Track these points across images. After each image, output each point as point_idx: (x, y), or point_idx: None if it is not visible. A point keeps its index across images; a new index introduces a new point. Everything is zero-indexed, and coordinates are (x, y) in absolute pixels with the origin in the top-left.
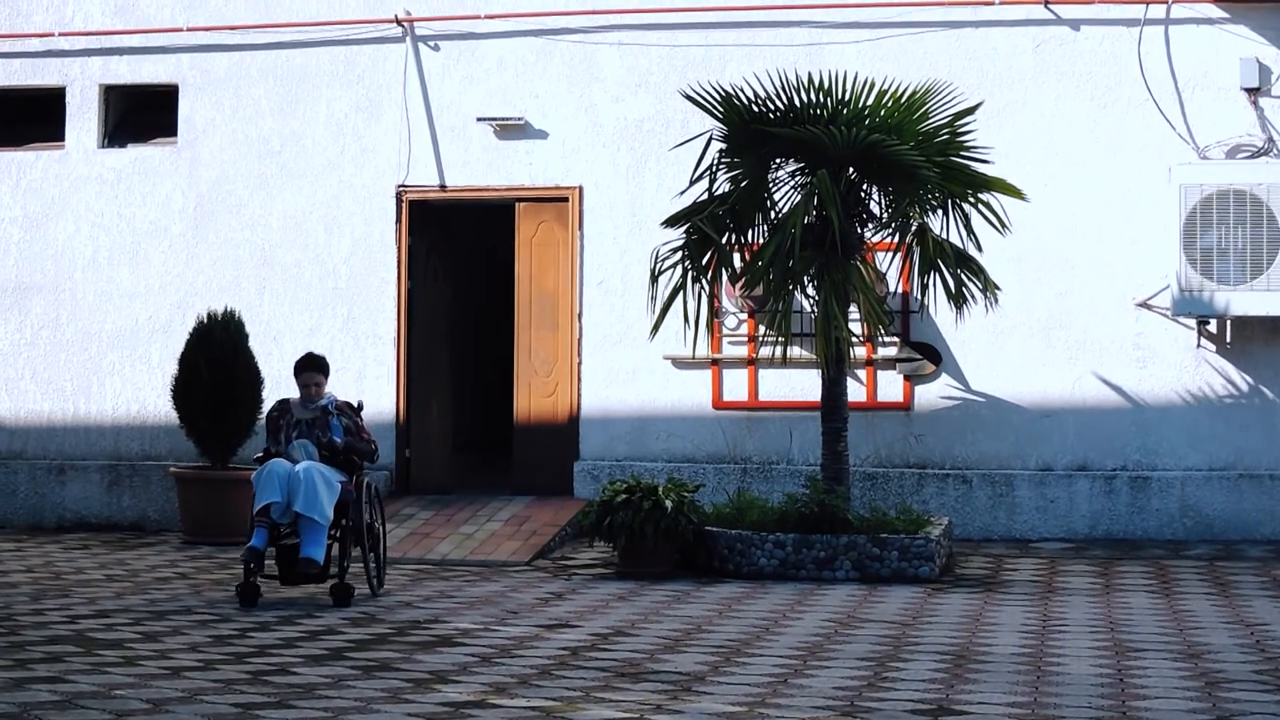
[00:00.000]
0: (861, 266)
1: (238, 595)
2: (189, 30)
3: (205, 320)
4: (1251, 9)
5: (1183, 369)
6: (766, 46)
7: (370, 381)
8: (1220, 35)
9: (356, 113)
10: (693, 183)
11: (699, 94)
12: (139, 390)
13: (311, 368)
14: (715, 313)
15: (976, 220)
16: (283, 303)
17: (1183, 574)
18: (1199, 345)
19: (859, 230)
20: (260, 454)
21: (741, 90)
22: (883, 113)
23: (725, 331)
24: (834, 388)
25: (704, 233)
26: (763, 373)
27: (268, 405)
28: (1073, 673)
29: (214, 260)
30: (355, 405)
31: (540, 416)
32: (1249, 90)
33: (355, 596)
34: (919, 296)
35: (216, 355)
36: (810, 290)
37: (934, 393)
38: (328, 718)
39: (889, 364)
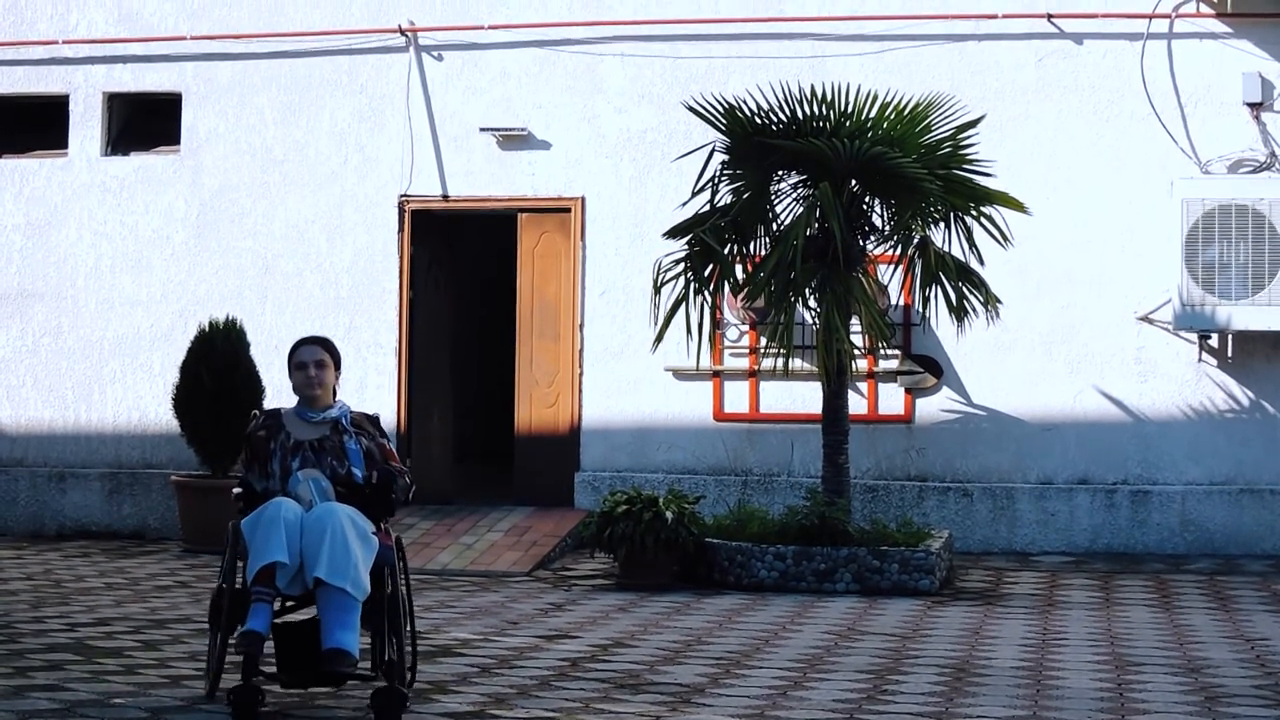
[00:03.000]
0: (863, 279)
1: (233, 706)
2: (192, 39)
3: (207, 329)
4: (1254, 24)
5: (1184, 383)
6: (769, 58)
7: (371, 391)
8: (1223, 50)
9: (359, 122)
10: (695, 194)
11: (702, 105)
12: (140, 398)
13: (315, 345)
14: (717, 324)
15: (978, 233)
16: (284, 312)
17: (1183, 588)
18: (1200, 360)
19: (861, 243)
20: (237, 490)
21: (744, 102)
22: (885, 125)
23: (727, 343)
24: (835, 400)
25: (706, 244)
26: (764, 385)
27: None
28: (1072, 686)
29: (216, 269)
30: (375, 418)
31: (541, 427)
32: (1251, 105)
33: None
34: (920, 309)
35: (218, 364)
36: (812, 302)
37: (935, 406)
38: None
39: (890, 377)
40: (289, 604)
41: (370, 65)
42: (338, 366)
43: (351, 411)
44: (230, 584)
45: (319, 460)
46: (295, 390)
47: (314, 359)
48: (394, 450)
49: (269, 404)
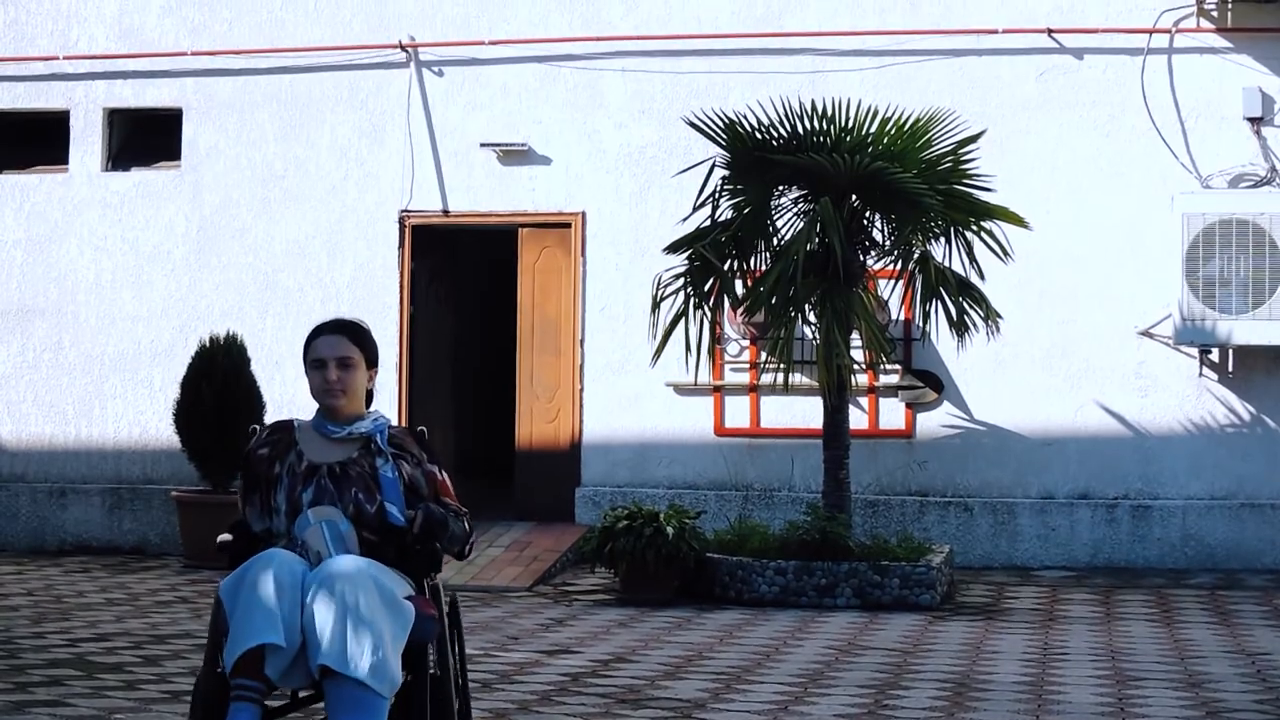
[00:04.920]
0: (863, 294)
1: None
2: (193, 54)
3: (207, 344)
4: (1255, 39)
5: (1185, 398)
6: (770, 74)
7: (371, 406)
8: (1224, 65)
9: (360, 138)
10: (695, 209)
11: (702, 121)
12: (141, 414)
13: (338, 334)
14: (717, 339)
15: (979, 248)
16: (285, 327)
17: (1184, 603)
18: (1201, 374)
19: (861, 258)
20: (225, 537)
21: (744, 117)
22: (885, 140)
23: (727, 358)
24: (836, 415)
25: (706, 259)
26: (764, 400)
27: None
28: (1074, 701)
29: (217, 284)
30: (421, 434)
31: (542, 442)
32: (1252, 120)
33: None
34: (921, 324)
35: (219, 379)
36: (812, 317)
37: (936, 421)
38: None
39: (891, 392)
40: (300, 695)
41: (371, 81)
42: (372, 363)
43: (390, 425)
44: (212, 670)
45: (340, 493)
46: (314, 395)
47: (336, 354)
48: (448, 481)
49: (269, 419)
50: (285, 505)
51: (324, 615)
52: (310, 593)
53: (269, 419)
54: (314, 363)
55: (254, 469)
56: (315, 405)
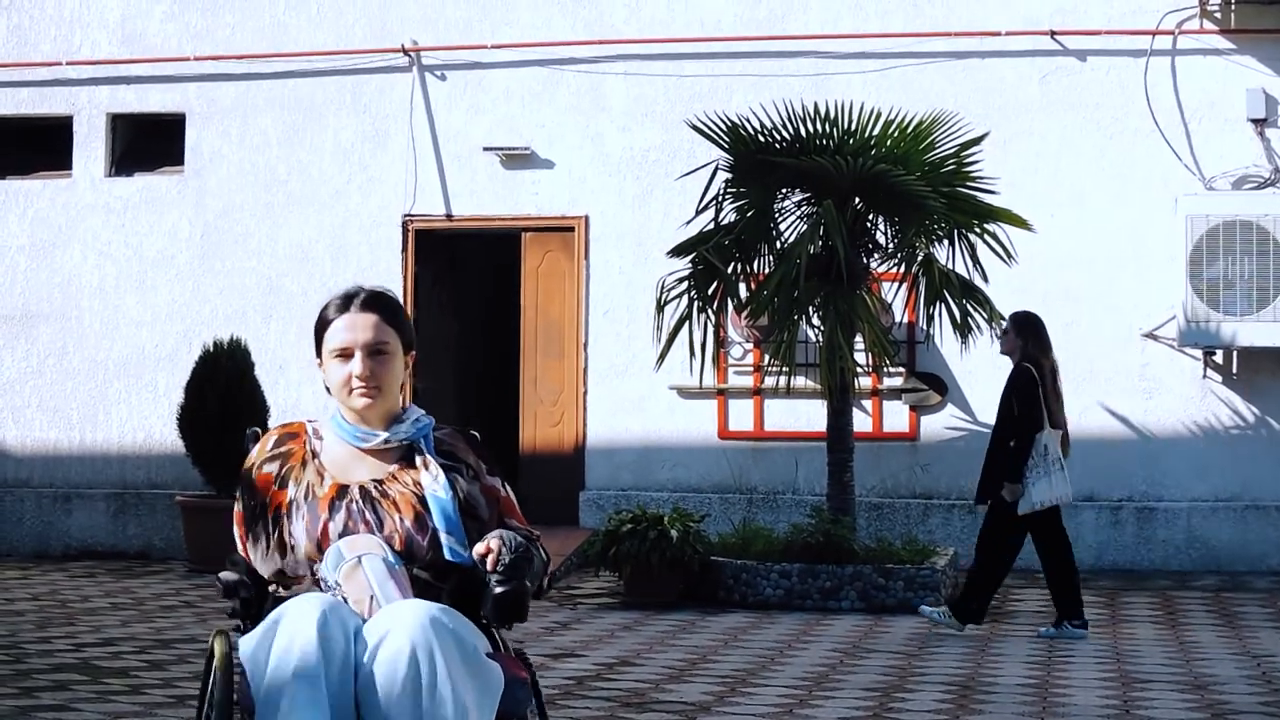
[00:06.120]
0: (867, 297)
1: None
2: (196, 60)
3: (211, 349)
4: (1258, 40)
5: (1189, 400)
6: (773, 76)
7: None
8: (1227, 66)
9: (363, 142)
10: (699, 212)
11: (705, 124)
12: (145, 419)
13: (368, 309)
14: (721, 343)
15: (982, 251)
16: (289, 331)
17: (1189, 605)
18: (1205, 376)
19: (865, 260)
20: (231, 574)
21: (748, 120)
22: (889, 143)
23: (731, 361)
24: (839, 418)
25: (710, 262)
26: (768, 403)
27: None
28: (1079, 703)
29: (220, 289)
30: (475, 438)
31: (546, 446)
32: (1255, 121)
33: None
34: (925, 327)
35: (222, 384)
36: (816, 320)
37: (940, 423)
38: None
39: (895, 394)
40: None
41: (373, 85)
42: (409, 347)
43: (437, 427)
44: None
45: (378, 520)
46: (333, 393)
47: (367, 341)
48: (513, 496)
49: (273, 423)
50: (305, 539)
51: (388, 685)
52: (366, 654)
53: (272, 424)
54: (337, 350)
55: (257, 493)
56: (324, 407)
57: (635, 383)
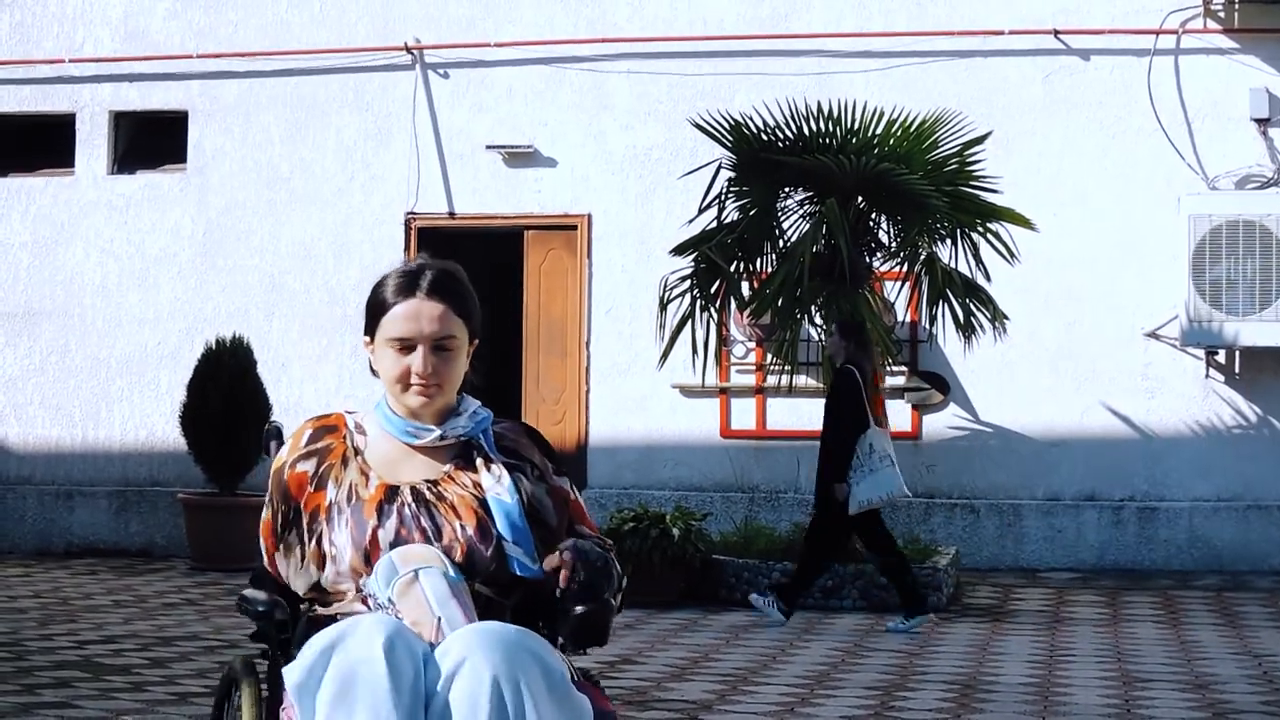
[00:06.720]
0: (870, 296)
1: None
2: (199, 57)
3: (214, 347)
4: (1261, 39)
5: (1191, 399)
6: (775, 75)
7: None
8: (1230, 66)
9: (365, 140)
10: (701, 211)
11: (708, 122)
12: (147, 416)
13: (433, 295)
14: (723, 341)
15: (985, 250)
16: (291, 329)
17: (1190, 604)
18: (1208, 376)
19: (867, 259)
20: (259, 591)
21: (750, 119)
22: (892, 142)
23: (733, 360)
24: None
25: (712, 261)
26: (771, 402)
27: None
28: (1080, 703)
29: (223, 287)
30: (537, 434)
31: None
32: (1259, 121)
33: None
34: (927, 326)
35: (225, 382)
36: (819, 319)
37: (942, 422)
38: None
39: (897, 393)
40: None
41: (376, 83)
42: (474, 336)
43: (497, 421)
44: None
45: (435, 527)
46: (388, 385)
47: (432, 332)
48: (583, 502)
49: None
50: (350, 548)
51: None
52: (440, 684)
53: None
54: (399, 340)
55: (290, 496)
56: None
57: (637, 381)
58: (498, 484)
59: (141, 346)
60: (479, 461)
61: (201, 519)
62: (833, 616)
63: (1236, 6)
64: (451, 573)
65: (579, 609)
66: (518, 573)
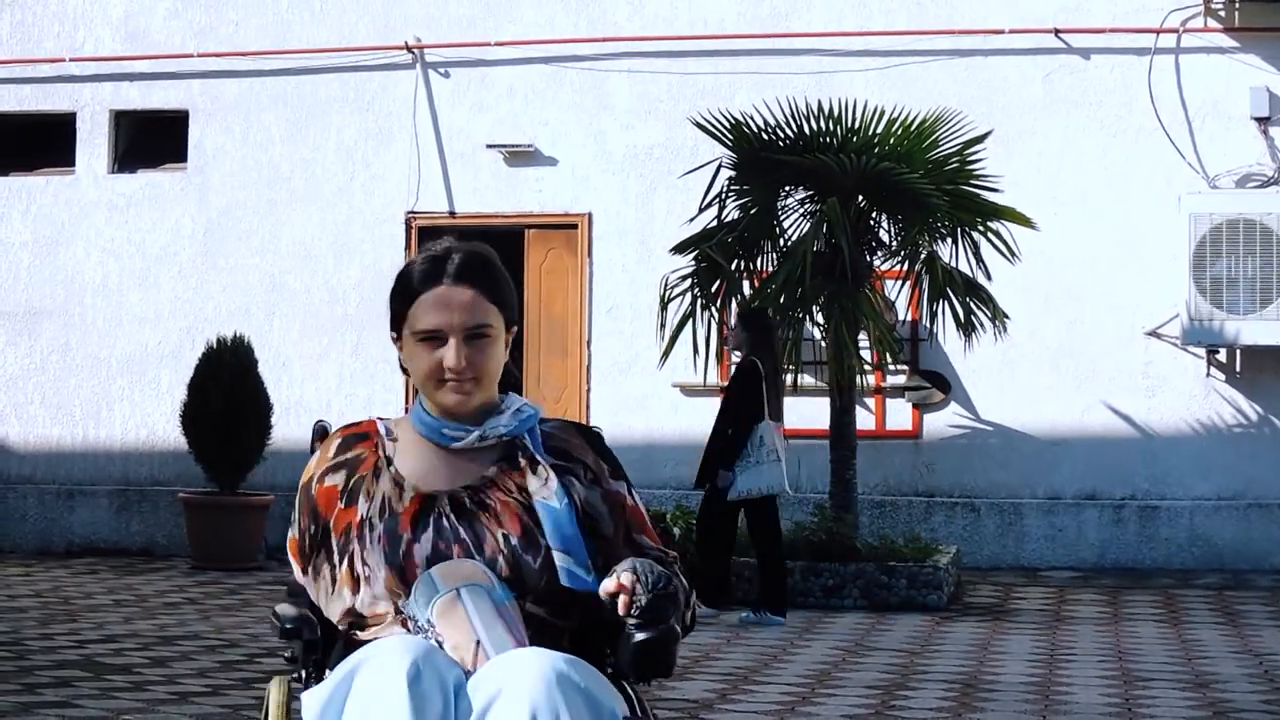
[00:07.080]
0: (871, 295)
1: None
2: (199, 56)
3: (214, 346)
4: (1262, 39)
5: (1192, 398)
6: (776, 74)
7: (379, 408)
8: (1231, 64)
9: (366, 139)
10: (702, 210)
11: (708, 121)
12: (148, 416)
13: (469, 284)
14: (724, 340)
15: (986, 249)
16: (292, 329)
17: (1191, 603)
18: (1208, 374)
19: (868, 258)
20: (289, 606)
21: (751, 118)
22: (892, 141)
23: (734, 359)
24: (842, 416)
25: (713, 260)
26: None
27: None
28: (1081, 702)
29: (223, 286)
30: (594, 432)
31: None
32: (1259, 120)
33: None
34: (928, 325)
35: (225, 381)
36: (819, 318)
37: (943, 421)
38: None
39: (898, 392)
40: None
41: (377, 82)
42: (511, 322)
43: (544, 420)
44: None
45: (476, 539)
46: (419, 383)
47: (464, 322)
48: (643, 508)
49: (275, 420)
50: (384, 567)
51: None
52: (473, 718)
53: (276, 421)
54: (425, 335)
55: (318, 513)
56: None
57: (638, 380)
58: (545, 488)
59: (142, 346)
60: (524, 464)
61: (202, 518)
62: (833, 616)
63: (1237, 5)
64: (499, 590)
65: (640, 636)
66: (565, 583)
